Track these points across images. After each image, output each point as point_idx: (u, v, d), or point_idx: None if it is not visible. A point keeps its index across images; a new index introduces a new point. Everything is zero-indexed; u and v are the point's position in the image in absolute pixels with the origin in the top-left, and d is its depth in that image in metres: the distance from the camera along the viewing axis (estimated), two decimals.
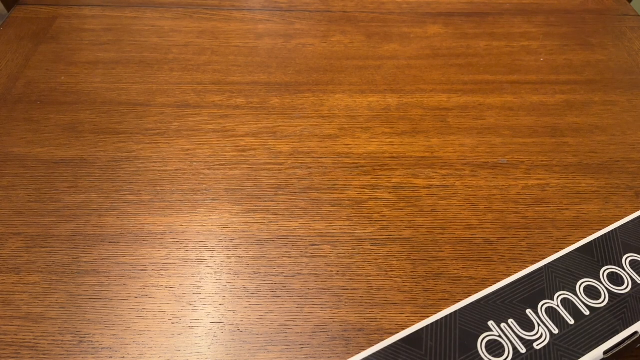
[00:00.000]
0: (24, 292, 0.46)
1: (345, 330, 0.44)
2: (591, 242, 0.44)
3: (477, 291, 0.41)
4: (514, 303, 0.40)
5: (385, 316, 0.45)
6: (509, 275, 0.41)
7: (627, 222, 0.45)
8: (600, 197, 0.55)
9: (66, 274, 0.47)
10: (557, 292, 0.40)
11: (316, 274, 0.48)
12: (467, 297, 0.41)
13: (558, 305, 0.39)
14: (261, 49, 0.74)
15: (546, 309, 0.39)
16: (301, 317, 0.45)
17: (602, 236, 0.44)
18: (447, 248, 0.50)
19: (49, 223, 0.51)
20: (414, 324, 0.38)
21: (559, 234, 0.51)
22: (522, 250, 0.50)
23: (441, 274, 0.48)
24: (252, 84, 0.68)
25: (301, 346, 0.43)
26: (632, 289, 0.40)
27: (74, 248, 0.49)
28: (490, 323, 0.39)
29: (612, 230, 0.45)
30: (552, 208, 0.54)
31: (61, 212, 0.52)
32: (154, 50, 0.72)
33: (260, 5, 0.83)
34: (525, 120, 0.64)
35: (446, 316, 0.39)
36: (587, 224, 0.52)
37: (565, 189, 0.56)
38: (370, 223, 0.52)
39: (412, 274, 0.48)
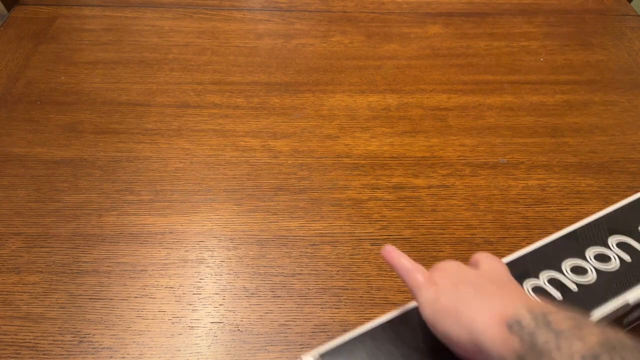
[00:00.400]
0: (24, 292, 0.46)
1: (345, 330, 0.44)
2: (575, 230, 0.44)
3: None
4: None
5: None
6: None
7: (612, 211, 0.45)
8: (600, 197, 0.55)
9: (66, 274, 0.47)
10: (542, 271, 0.40)
11: (316, 274, 0.48)
12: None
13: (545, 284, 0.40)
14: (261, 49, 0.74)
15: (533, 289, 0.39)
16: (301, 317, 0.45)
17: (587, 224, 0.44)
18: (447, 248, 0.50)
19: (49, 223, 0.51)
20: None
21: None
22: None
23: None
24: (252, 84, 0.68)
25: (301, 346, 0.43)
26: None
27: (74, 248, 0.49)
28: None
29: (597, 219, 0.45)
30: (552, 208, 0.54)
31: (61, 212, 0.52)
32: (154, 50, 0.72)
33: (260, 5, 0.83)
34: (525, 120, 0.63)
35: None
36: None
37: (565, 189, 0.56)
38: (370, 223, 0.52)
39: None
